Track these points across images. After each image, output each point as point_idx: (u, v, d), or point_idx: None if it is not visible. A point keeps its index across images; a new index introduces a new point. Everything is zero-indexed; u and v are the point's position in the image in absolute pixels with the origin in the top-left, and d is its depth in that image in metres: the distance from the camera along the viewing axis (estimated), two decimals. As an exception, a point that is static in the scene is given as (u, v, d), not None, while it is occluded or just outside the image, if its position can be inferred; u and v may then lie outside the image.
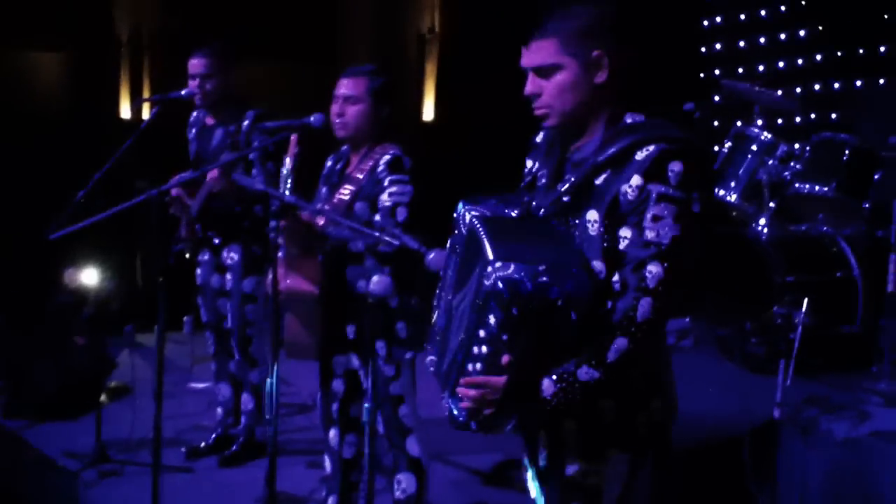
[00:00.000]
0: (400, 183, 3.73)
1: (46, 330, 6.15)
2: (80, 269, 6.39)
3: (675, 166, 2.24)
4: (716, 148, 6.43)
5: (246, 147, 4.83)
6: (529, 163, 2.62)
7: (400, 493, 3.96)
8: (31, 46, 8.86)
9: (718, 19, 9.37)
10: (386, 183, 3.72)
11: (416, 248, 3.32)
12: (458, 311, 2.40)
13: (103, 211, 3.69)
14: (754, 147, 5.95)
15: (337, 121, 3.81)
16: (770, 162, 5.85)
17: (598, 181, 2.31)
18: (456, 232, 2.51)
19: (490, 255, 2.18)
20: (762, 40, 8.82)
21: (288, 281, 3.70)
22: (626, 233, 2.25)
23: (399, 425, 3.92)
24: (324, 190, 3.98)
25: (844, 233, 5.73)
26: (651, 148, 2.25)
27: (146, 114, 8.20)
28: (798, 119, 8.18)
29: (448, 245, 2.58)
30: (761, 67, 8.69)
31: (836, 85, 8.04)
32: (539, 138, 2.60)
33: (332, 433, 4.06)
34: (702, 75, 9.21)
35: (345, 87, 3.84)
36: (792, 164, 5.84)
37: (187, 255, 5.15)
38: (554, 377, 2.22)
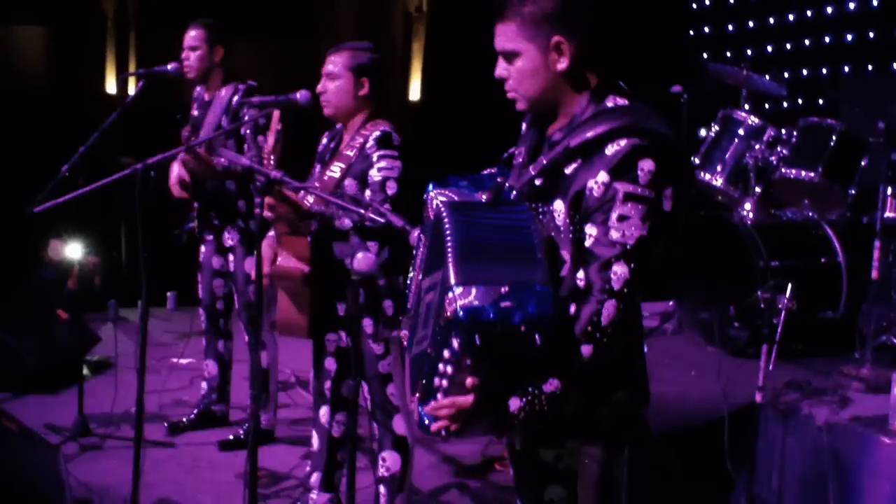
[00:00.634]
0: (389, 158, 3.72)
1: (29, 303, 6.13)
2: (64, 243, 6.38)
3: (646, 164, 2.17)
4: (703, 131, 6.44)
5: (235, 122, 4.83)
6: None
7: (384, 471, 3.96)
8: (16, 20, 8.80)
9: (707, 2, 9.37)
10: (375, 158, 3.71)
11: (400, 227, 3.31)
12: (426, 302, 2.35)
13: (88, 186, 3.68)
14: (741, 131, 5.96)
15: (322, 98, 3.82)
16: (757, 146, 5.86)
17: (568, 170, 2.25)
18: (425, 215, 2.45)
19: (452, 279, 2.10)
20: (751, 24, 8.83)
21: (279, 260, 3.69)
22: (591, 230, 2.19)
23: (385, 404, 3.93)
24: (318, 168, 3.97)
25: (829, 218, 5.74)
26: (623, 143, 2.18)
27: (132, 89, 8.15)
28: (785, 104, 8.20)
29: (419, 227, 2.53)
30: (749, 52, 8.70)
31: (825, 70, 8.06)
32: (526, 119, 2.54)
33: (323, 410, 4.06)
34: (689, 58, 9.21)
35: (328, 63, 3.84)
36: (779, 148, 5.84)
37: (196, 234, 5.15)
38: (519, 393, 2.18)
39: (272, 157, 3.53)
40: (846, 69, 7.86)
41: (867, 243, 5.10)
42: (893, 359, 4.96)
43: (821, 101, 7.94)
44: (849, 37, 7.82)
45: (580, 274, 2.19)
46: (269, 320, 4.57)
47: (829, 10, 8.03)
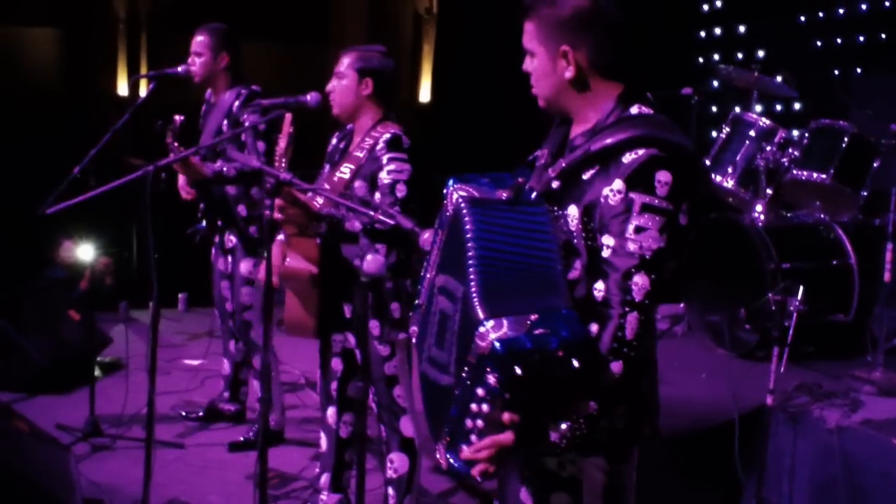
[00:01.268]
0: (398, 160, 3.72)
1: (40, 304, 6.15)
2: (75, 243, 6.40)
3: (664, 176, 2.14)
4: (714, 133, 6.43)
5: (237, 126, 4.83)
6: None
7: (392, 473, 3.97)
8: (28, 22, 8.83)
9: (718, 3, 9.35)
10: (384, 161, 3.72)
11: (410, 228, 3.31)
12: (438, 307, 2.31)
13: (99, 187, 3.69)
14: (752, 133, 5.94)
15: (330, 97, 3.85)
16: (768, 148, 5.84)
17: (586, 176, 2.23)
18: (442, 209, 2.42)
19: (480, 314, 2.05)
20: (761, 26, 8.81)
21: (287, 260, 3.71)
22: (608, 241, 2.16)
23: (392, 405, 3.93)
24: (326, 168, 3.98)
25: (841, 220, 5.72)
26: (640, 152, 2.15)
27: (143, 90, 8.18)
28: (797, 106, 8.18)
29: (436, 222, 2.49)
30: (760, 53, 8.68)
31: (836, 72, 8.04)
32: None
33: (331, 411, 4.07)
34: (700, 60, 9.20)
35: (338, 62, 3.87)
36: (790, 150, 5.82)
37: (207, 235, 5.17)
38: (560, 421, 2.14)
39: (284, 160, 3.53)
40: (858, 71, 7.83)
41: (879, 246, 5.09)
42: (905, 362, 4.95)
43: (832, 103, 7.92)
44: (861, 38, 7.80)
45: (599, 285, 2.16)
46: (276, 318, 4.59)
47: (841, 11, 8.02)
